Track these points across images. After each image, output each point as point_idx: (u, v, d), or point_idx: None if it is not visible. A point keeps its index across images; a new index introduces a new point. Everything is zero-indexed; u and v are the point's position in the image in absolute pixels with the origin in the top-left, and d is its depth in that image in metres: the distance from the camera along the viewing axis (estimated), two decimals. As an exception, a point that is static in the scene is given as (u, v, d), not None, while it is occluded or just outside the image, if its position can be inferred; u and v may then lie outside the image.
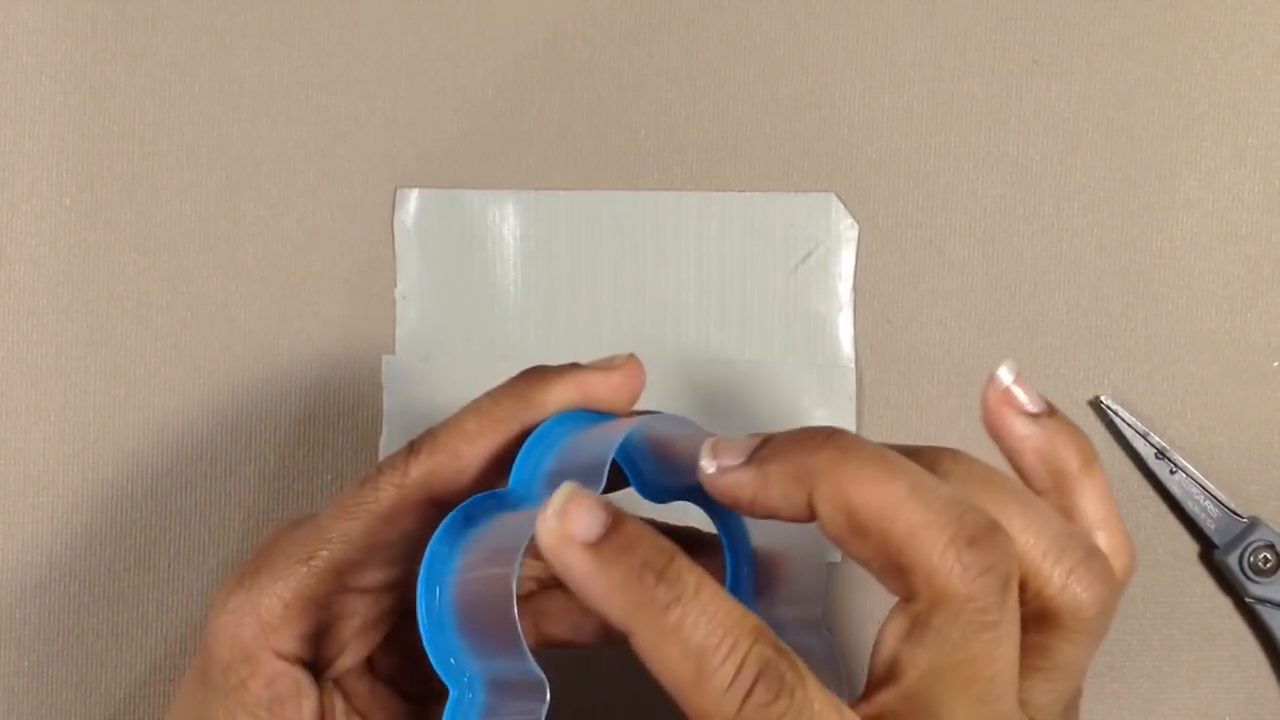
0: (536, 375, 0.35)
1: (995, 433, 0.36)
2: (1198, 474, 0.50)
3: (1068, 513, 0.35)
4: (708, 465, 0.31)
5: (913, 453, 0.32)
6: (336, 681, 0.38)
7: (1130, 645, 0.50)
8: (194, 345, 0.52)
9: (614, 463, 0.35)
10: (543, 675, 0.30)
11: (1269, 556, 0.49)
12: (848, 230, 0.51)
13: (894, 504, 0.29)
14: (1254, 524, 0.49)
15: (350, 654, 0.37)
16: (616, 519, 0.30)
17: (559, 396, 0.35)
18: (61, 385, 0.52)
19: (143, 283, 0.52)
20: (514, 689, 0.31)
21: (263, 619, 0.35)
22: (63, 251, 0.52)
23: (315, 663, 0.36)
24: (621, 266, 0.52)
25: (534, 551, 0.39)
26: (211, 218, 0.52)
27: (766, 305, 0.51)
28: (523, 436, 0.34)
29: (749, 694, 0.28)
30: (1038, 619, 0.31)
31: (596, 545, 0.29)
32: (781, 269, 0.51)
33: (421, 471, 0.34)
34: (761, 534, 0.36)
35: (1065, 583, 0.31)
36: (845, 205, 0.51)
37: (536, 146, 0.52)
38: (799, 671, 0.28)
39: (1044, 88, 0.51)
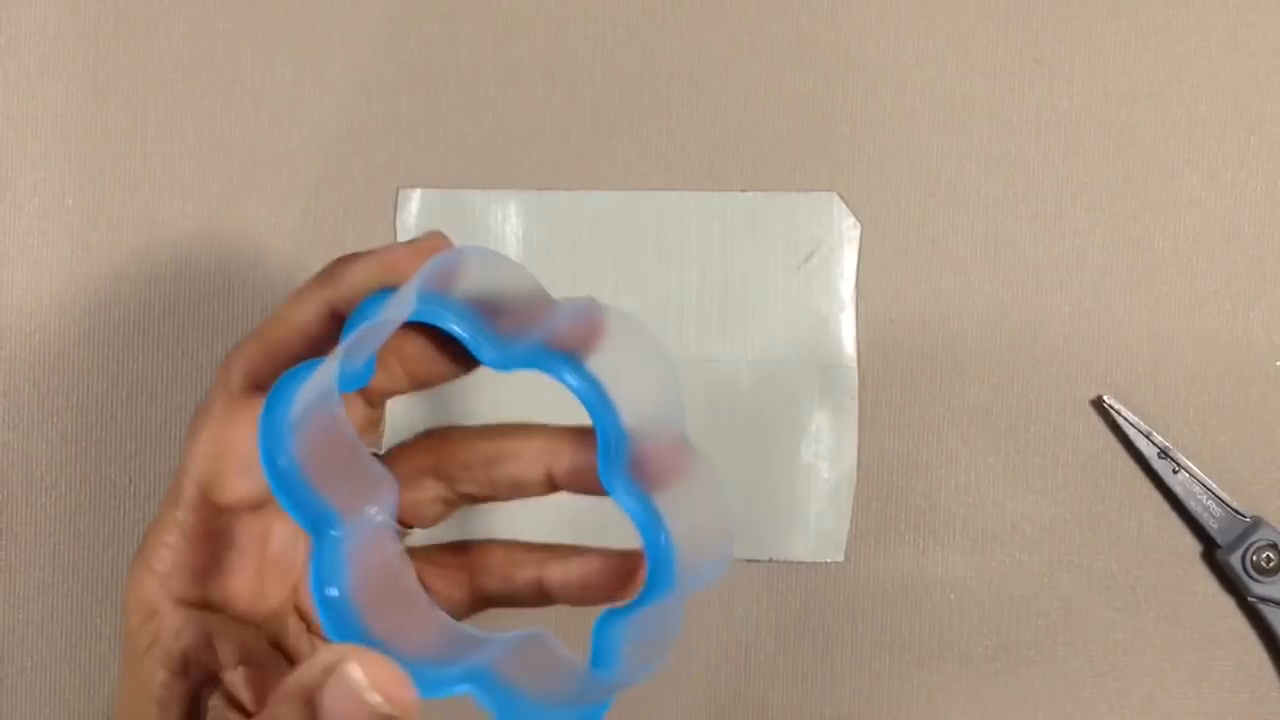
0: (344, 259, 0.36)
1: None
2: (1200, 473, 0.50)
3: None
4: None
5: None
6: (261, 626, 0.37)
7: (1132, 645, 0.50)
8: (196, 345, 0.52)
9: (459, 342, 0.34)
10: (389, 472, 0.31)
11: (1271, 556, 0.49)
12: (850, 230, 0.51)
13: None
14: (1257, 523, 0.49)
15: (267, 589, 0.37)
16: None
17: (362, 275, 0.35)
18: (63, 385, 0.52)
19: (144, 282, 0.52)
20: (367, 499, 0.31)
21: (155, 570, 0.35)
22: (65, 251, 0.53)
23: (227, 600, 0.36)
24: (623, 266, 0.52)
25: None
26: (213, 218, 0.52)
27: (769, 305, 0.51)
28: (333, 314, 0.34)
29: None
30: None
31: None
32: (784, 268, 0.51)
33: (240, 366, 0.35)
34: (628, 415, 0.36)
35: None
36: (847, 205, 0.51)
37: (538, 146, 0.52)
38: None
39: (1046, 87, 0.51)
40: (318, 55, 0.52)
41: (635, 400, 0.35)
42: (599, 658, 0.34)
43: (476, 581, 0.39)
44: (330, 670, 0.30)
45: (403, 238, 0.52)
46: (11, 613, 0.52)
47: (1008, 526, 0.51)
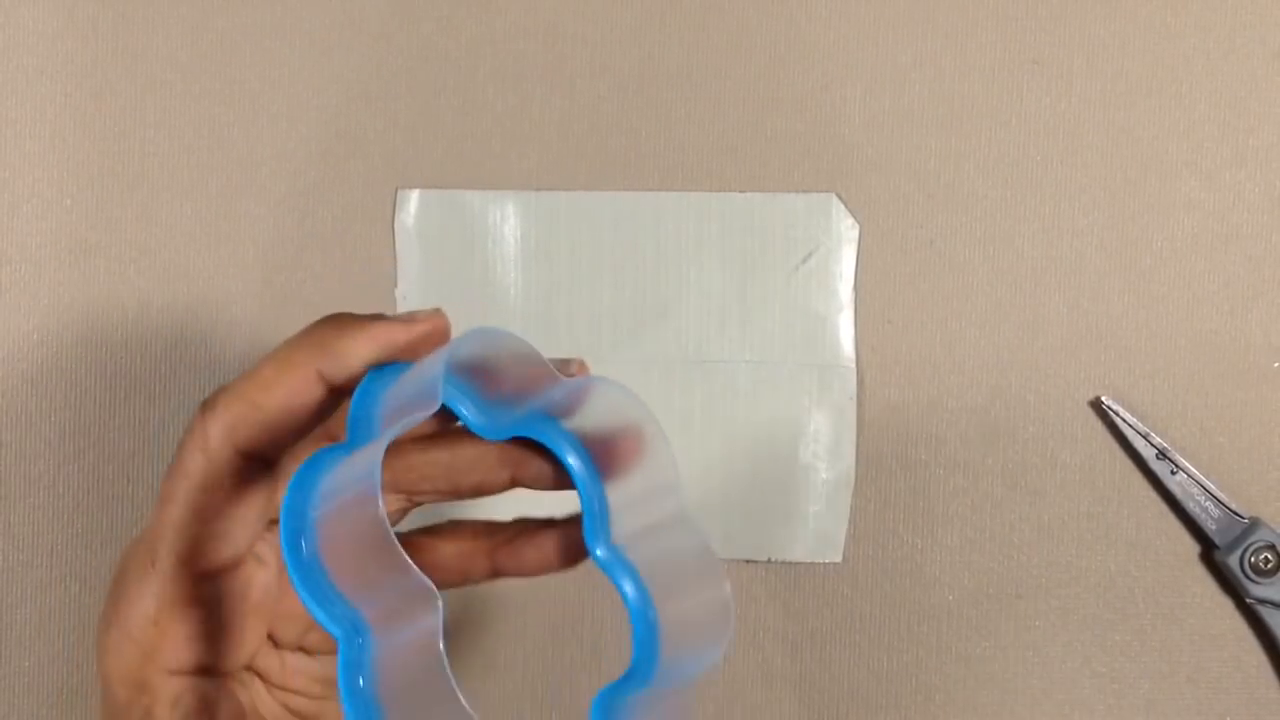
0: (335, 322, 0.34)
1: None
2: (1199, 474, 0.50)
3: None
4: None
5: None
6: (249, 667, 0.36)
7: (1131, 645, 0.50)
8: (194, 346, 0.52)
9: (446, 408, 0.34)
10: (430, 583, 0.29)
11: (1270, 557, 0.49)
12: (848, 230, 0.51)
13: None
14: (1255, 524, 0.49)
15: (248, 637, 0.35)
16: None
17: (360, 350, 0.33)
18: (62, 385, 0.52)
19: (143, 283, 0.52)
20: (404, 612, 0.30)
21: (140, 644, 0.34)
22: (64, 252, 0.53)
23: (217, 662, 0.35)
24: (622, 267, 0.52)
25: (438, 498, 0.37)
26: (212, 218, 0.52)
27: (767, 305, 0.51)
28: (322, 380, 0.33)
29: None
30: None
31: None
32: (782, 269, 0.51)
33: (221, 428, 0.33)
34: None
35: None
36: (846, 205, 0.51)
37: (537, 147, 0.52)
38: None
39: (1044, 88, 0.51)
40: (316, 55, 0.52)
41: (627, 480, 0.35)
42: None
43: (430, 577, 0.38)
44: None
45: (401, 238, 0.52)
46: (10, 612, 0.52)
47: (1006, 527, 0.51)
